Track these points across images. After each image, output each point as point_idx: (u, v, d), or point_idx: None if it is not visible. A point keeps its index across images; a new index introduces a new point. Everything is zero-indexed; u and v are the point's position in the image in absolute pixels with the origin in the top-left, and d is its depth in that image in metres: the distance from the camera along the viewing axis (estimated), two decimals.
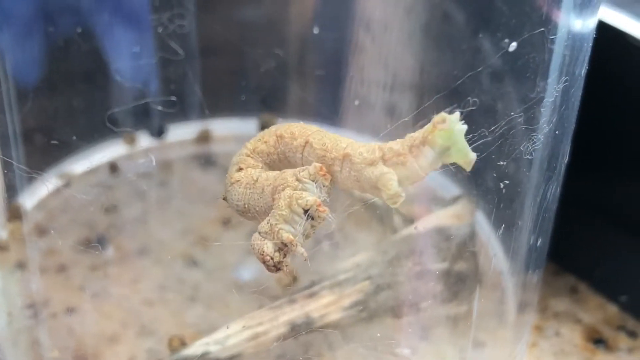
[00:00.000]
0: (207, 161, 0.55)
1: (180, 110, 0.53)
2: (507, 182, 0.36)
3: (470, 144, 0.31)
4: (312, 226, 0.32)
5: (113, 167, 0.53)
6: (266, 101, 0.55)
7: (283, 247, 0.32)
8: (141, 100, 0.51)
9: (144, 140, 0.55)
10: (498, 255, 0.47)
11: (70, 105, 0.52)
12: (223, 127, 0.56)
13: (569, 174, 0.45)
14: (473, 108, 0.32)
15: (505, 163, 0.35)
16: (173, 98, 0.51)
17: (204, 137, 0.56)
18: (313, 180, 0.32)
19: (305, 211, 0.32)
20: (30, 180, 0.50)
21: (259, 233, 0.33)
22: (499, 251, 0.48)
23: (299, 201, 0.32)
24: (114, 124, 0.51)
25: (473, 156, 0.31)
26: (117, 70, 0.50)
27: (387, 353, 0.43)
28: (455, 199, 0.46)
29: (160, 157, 0.55)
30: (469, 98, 0.33)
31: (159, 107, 0.51)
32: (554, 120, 0.35)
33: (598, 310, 0.48)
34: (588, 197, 0.49)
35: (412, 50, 0.47)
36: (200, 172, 0.54)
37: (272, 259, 0.32)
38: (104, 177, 0.53)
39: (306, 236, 0.32)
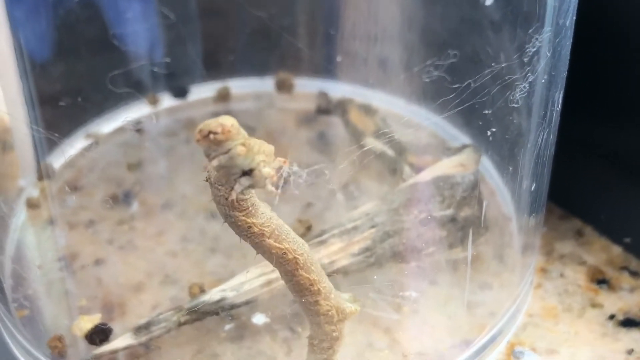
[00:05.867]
0: None
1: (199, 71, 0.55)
2: (495, 130, 0.38)
3: (456, 94, 0.33)
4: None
5: (138, 127, 0.56)
6: (282, 60, 0.58)
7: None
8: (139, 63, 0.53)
9: (167, 100, 0.58)
10: (499, 201, 0.49)
11: (94, 69, 0.54)
12: (241, 86, 0.59)
13: (574, 120, 0.46)
14: (454, 60, 0.34)
15: (490, 112, 0.37)
16: (167, 59, 0.53)
17: (223, 96, 0.58)
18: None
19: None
20: (59, 140, 0.53)
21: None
22: (501, 196, 0.50)
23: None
24: (137, 87, 0.54)
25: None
26: (118, 35, 0.52)
27: (395, 296, 0.45)
28: (460, 148, 0.48)
29: (183, 116, 0.58)
30: (449, 51, 0.34)
31: (155, 69, 0.54)
32: (539, 69, 0.37)
33: (602, 252, 0.50)
34: (594, 143, 0.50)
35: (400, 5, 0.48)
36: None
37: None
38: (129, 137, 0.56)
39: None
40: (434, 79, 0.40)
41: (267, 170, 0.31)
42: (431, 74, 0.38)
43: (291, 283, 0.37)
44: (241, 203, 0.33)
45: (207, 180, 0.33)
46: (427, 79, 0.39)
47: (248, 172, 0.32)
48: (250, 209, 0.34)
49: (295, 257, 0.35)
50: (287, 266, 0.36)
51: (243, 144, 0.31)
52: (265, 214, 0.34)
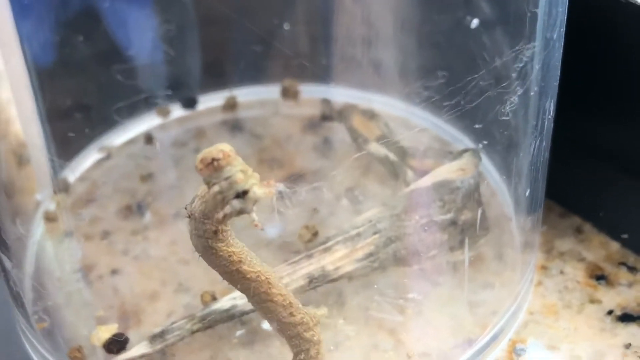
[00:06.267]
0: (235, 126, 0.59)
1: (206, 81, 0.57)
2: (486, 142, 0.39)
3: (447, 111, 0.34)
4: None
5: (148, 138, 0.58)
6: (287, 67, 0.59)
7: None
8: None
9: (177, 111, 0.60)
10: (500, 201, 0.51)
11: (106, 84, 0.56)
12: (248, 94, 0.60)
13: (572, 120, 0.48)
14: (442, 81, 0.36)
15: (481, 126, 0.38)
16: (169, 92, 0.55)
17: (231, 105, 0.60)
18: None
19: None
20: (73, 154, 0.55)
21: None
22: (502, 197, 0.51)
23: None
24: (148, 101, 0.56)
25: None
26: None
27: (399, 299, 0.47)
28: (460, 153, 0.49)
29: (192, 126, 0.59)
30: (437, 72, 0.36)
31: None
32: (528, 82, 0.38)
33: (601, 248, 0.51)
34: (591, 142, 0.51)
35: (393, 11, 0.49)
36: (230, 136, 0.58)
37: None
38: (140, 148, 0.58)
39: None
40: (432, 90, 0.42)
41: (261, 191, 0.33)
42: (421, 95, 0.40)
43: (265, 304, 0.39)
44: (224, 234, 0.35)
45: (189, 217, 0.35)
46: (418, 99, 0.41)
47: (241, 195, 0.33)
48: (229, 239, 0.36)
49: (267, 278, 0.38)
50: (260, 288, 0.38)
51: (242, 170, 0.33)
52: (238, 242, 0.36)
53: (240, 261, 0.36)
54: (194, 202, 0.35)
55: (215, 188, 0.33)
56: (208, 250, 0.36)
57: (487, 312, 0.47)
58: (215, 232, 0.35)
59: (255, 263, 0.37)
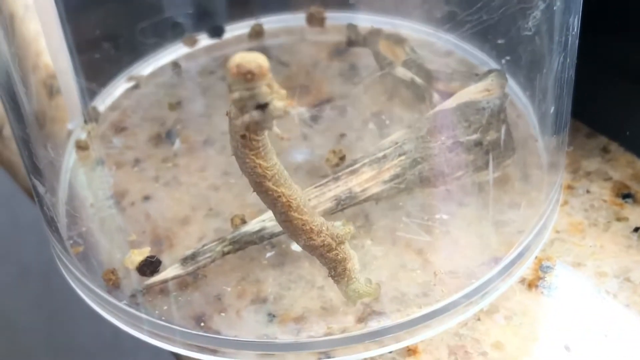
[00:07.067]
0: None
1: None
2: (509, 58, 0.40)
3: (469, 27, 0.34)
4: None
5: (176, 66, 0.58)
6: None
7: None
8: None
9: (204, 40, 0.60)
10: (527, 122, 0.51)
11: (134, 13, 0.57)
12: (274, 22, 0.61)
13: (598, 38, 0.48)
14: None
15: (503, 41, 0.38)
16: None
17: (257, 32, 0.60)
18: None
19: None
20: (103, 84, 0.56)
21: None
22: (529, 118, 0.51)
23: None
24: (175, 30, 0.56)
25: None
26: None
27: (426, 219, 0.48)
28: (486, 74, 0.50)
29: (219, 54, 0.60)
30: None
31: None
32: None
33: (627, 167, 0.52)
34: (618, 62, 0.51)
35: None
36: None
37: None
38: (168, 77, 0.58)
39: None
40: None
41: (280, 103, 0.33)
42: (443, 11, 0.40)
43: (285, 224, 0.40)
44: (253, 142, 0.36)
45: (227, 115, 0.35)
46: (441, 17, 0.41)
47: (262, 107, 0.34)
48: (260, 150, 0.36)
49: (288, 201, 0.38)
50: (280, 208, 0.39)
51: (268, 85, 0.33)
52: (272, 159, 0.37)
53: (264, 176, 0.37)
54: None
55: (235, 95, 0.33)
56: (237, 154, 0.37)
57: (513, 231, 0.48)
58: (243, 137, 0.35)
59: (281, 183, 0.38)
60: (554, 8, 0.39)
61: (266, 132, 0.36)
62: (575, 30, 0.42)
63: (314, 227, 0.40)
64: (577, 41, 0.44)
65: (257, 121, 0.34)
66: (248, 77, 0.33)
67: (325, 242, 0.41)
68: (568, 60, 0.43)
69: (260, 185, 0.38)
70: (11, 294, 1.01)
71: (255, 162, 0.37)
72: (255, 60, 0.33)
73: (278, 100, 0.33)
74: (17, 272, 1.01)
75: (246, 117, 0.34)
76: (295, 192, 0.39)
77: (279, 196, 0.38)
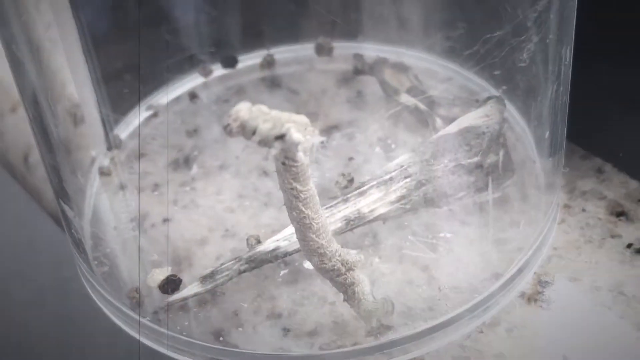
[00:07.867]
0: (273, 83, 0.63)
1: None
2: (505, 87, 0.42)
3: (468, 60, 0.37)
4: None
5: (193, 96, 0.61)
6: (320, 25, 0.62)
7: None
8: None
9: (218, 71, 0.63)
10: (526, 145, 0.54)
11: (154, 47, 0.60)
12: (284, 52, 0.64)
13: (592, 64, 0.50)
14: (462, 32, 0.39)
15: (500, 72, 0.41)
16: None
17: (269, 62, 0.63)
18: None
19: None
20: (124, 113, 0.59)
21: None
22: (527, 141, 0.54)
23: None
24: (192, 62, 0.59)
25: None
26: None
27: (431, 238, 0.51)
28: (485, 101, 0.52)
29: (233, 83, 0.63)
30: (457, 23, 0.39)
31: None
32: (544, 31, 0.41)
33: (621, 187, 0.54)
34: (612, 87, 0.54)
35: None
36: (268, 93, 0.62)
37: None
38: (185, 105, 0.61)
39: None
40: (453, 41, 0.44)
41: (296, 135, 0.37)
42: (444, 45, 0.43)
43: (302, 242, 0.43)
44: (292, 169, 0.39)
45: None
46: (440, 49, 0.44)
47: (280, 137, 0.37)
48: (298, 175, 0.39)
49: (310, 223, 0.42)
50: (302, 227, 0.42)
51: (265, 120, 0.37)
52: (308, 184, 0.40)
53: (297, 197, 0.40)
54: None
55: (255, 138, 0.37)
56: (278, 173, 0.40)
57: (513, 248, 0.50)
58: (283, 164, 0.39)
59: (310, 207, 0.42)
60: (547, 41, 0.42)
61: (306, 160, 0.39)
62: (567, 60, 0.45)
63: (327, 252, 0.44)
64: (569, 70, 0.46)
65: (281, 150, 0.37)
66: (229, 131, 0.36)
67: (335, 267, 0.44)
68: (561, 88, 0.46)
69: (291, 203, 0.41)
70: (29, 312, 1.03)
71: (293, 185, 0.40)
72: (236, 113, 0.36)
73: (296, 129, 0.37)
74: (36, 288, 1.03)
75: (272, 150, 0.37)
76: (320, 217, 0.42)
77: (304, 217, 0.41)
